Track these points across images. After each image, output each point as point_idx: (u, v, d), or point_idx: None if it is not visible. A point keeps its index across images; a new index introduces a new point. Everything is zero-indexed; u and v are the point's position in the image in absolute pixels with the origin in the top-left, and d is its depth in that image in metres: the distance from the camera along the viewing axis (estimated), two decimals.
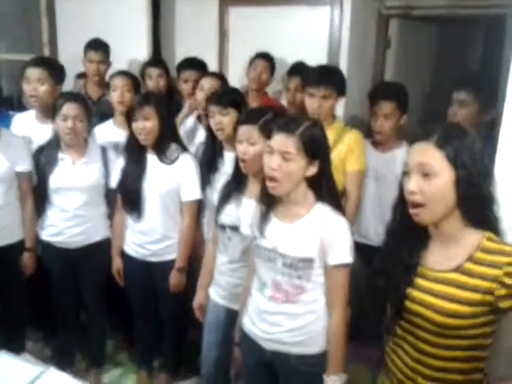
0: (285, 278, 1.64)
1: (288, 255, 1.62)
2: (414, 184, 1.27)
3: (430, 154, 1.25)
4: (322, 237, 1.60)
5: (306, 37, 3.49)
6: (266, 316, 1.70)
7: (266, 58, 3.29)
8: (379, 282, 1.38)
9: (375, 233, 2.65)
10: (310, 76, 2.53)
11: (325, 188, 1.65)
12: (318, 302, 1.65)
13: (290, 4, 3.50)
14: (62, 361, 2.67)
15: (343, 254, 1.61)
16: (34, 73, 2.60)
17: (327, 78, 2.46)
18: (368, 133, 2.76)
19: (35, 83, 2.60)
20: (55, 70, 2.70)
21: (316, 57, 3.30)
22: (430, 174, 1.25)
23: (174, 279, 2.44)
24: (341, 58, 3.45)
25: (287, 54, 3.44)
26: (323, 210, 1.63)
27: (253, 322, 1.76)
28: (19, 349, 2.58)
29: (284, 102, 3.33)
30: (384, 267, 1.39)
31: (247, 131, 1.89)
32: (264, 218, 1.71)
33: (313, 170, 1.61)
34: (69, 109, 2.37)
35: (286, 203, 1.67)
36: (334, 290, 1.63)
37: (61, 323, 2.71)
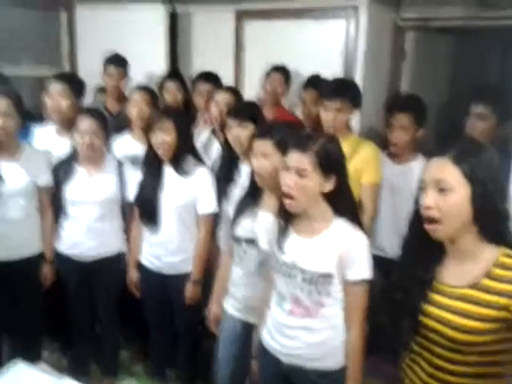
0: (304, 293, 1.64)
1: (307, 270, 1.62)
2: (430, 199, 1.27)
3: (447, 170, 1.26)
4: (341, 252, 1.60)
5: (322, 49, 3.52)
6: (285, 330, 1.70)
7: (281, 71, 3.32)
8: (396, 296, 1.38)
9: (390, 245, 2.63)
10: (325, 89, 2.54)
11: (343, 203, 1.65)
12: (337, 317, 1.65)
13: (306, 17, 3.53)
14: (77, 371, 2.70)
15: (362, 269, 1.61)
16: (55, 87, 2.67)
17: (342, 90, 2.47)
18: (384, 144, 2.75)
19: (57, 97, 2.67)
20: (76, 85, 2.76)
21: (332, 69, 3.32)
22: (447, 189, 1.25)
23: (189, 292, 2.46)
24: (356, 70, 3.46)
25: (303, 67, 3.47)
26: (342, 226, 1.64)
27: (271, 335, 1.76)
28: (35, 358, 2.60)
29: (300, 114, 3.34)
30: (400, 282, 1.39)
31: (262, 145, 1.91)
32: (283, 233, 1.72)
33: (329, 186, 1.61)
34: (86, 125, 2.41)
35: (304, 218, 1.68)
36: (352, 306, 1.63)
37: (76, 334, 2.74)
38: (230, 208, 2.37)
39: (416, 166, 2.55)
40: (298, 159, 1.59)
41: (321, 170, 1.58)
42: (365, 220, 2.40)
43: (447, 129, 3.43)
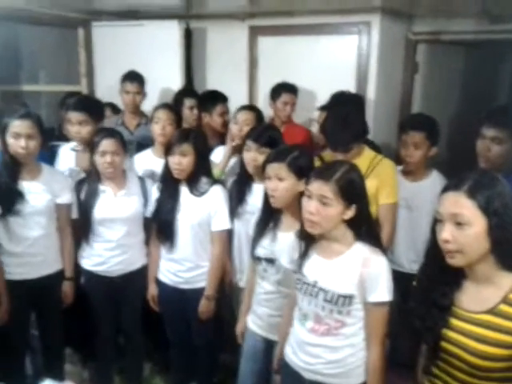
0: (325, 312, 1.68)
1: (329, 290, 1.67)
2: (447, 233, 1.30)
3: (462, 204, 1.29)
4: (362, 275, 1.64)
5: (334, 64, 3.57)
6: (307, 347, 1.75)
7: (288, 89, 3.36)
8: (414, 323, 1.41)
9: (407, 260, 2.69)
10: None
11: (363, 229, 1.70)
12: (358, 335, 1.69)
13: (318, 33, 3.59)
14: (100, 383, 2.76)
15: (383, 292, 1.65)
16: (75, 116, 2.73)
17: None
18: (397, 159, 2.79)
19: (77, 126, 2.73)
20: (95, 111, 2.80)
21: (344, 84, 3.35)
22: (463, 223, 1.28)
23: (203, 307, 2.51)
24: (369, 84, 3.52)
25: (315, 82, 3.52)
26: (362, 249, 1.68)
27: (294, 351, 1.81)
28: (58, 373, 2.69)
29: (315, 131, 3.38)
30: (418, 309, 1.42)
31: (276, 168, 1.98)
32: (304, 253, 1.77)
33: (350, 214, 1.66)
34: (106, 145, 2.47)
35: (325, 240, 1.73)
36: (372, 326, 1.67)
37: (100, 347, 2.79)
38: (240, 226, 2.47)
39: (430, 183, 2.61)
40: (321, 188, 1.65)
41: (342, 198, 1.64)
42: (383, 240, 2.45)
43: (459, 141, 3.47)
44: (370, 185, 2.35)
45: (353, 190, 1.66)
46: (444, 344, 1.37)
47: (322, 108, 3.17)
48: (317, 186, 1.66)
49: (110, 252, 2.55)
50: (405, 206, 2.65)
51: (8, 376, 2.51)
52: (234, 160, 2.81)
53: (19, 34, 3.74)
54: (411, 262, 2.64)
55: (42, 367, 2.74)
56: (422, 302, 1.44)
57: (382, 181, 2.42)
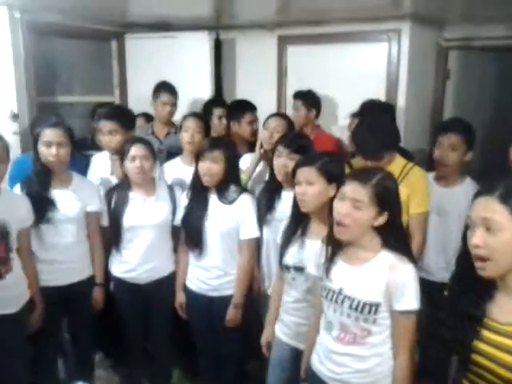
0: (351, 320, 1.67)
1: (354, 298, 1.66)
2: (478, 238, 1.28)
3: (494, 209, 1.27)
4: (388, 282, 1.62)
5: (364, 72, 3.56)
6: (333, 356, 1.73)
7: (302, 97, 3.41)
8: (444, 334, 1.38)
9: (438, 268, 2.63)
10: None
11: (393, 237, 1.67)
12: (385, 344, 1.67)
13: (348, 41, 3.59)
14: None
15: (409, 300, 1.62)
16: (106, 126, 2.79)
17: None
18: (429, 166, 2.75)
19: (109, 135, 2.80)
20: (126, 120, 2.86)
21: (374, 92, 3.35)
22: (495, 228, 1.26)
23: (231, 315, 2.51)
24: (399, 92, 3.50)
25: (345, 90, 3.52)
26: (389, 256, 1.66)
27: (320, 360, 1.79)
28: (89, 377, 2.76)
29: (346, 140, 3.36)
30: (449, 320, 1.39)
31: (306, 172, 1.98)
32: (330, 259, 1.76)
33: (381, 221, 1.64)
34: (136, 150, 2.52)
35: (352, 246, 1.71)
36: (399, 335, 1.65)
37: (129, 352, 2.83)
38: (269, 234, 2.47)
39: (463, 190, 2.54)
40: (356, 190, 1.63)
41: (376, 204, 1.62)
42: (413, 249, 2.41)
43: (492, 148, 3.40)
44: (402, 193, 2.33)
45: (387, 197, 1.64)
46: (475, 356, 1.33)
47: (354, 115, 3.16)
48: (352, 189, 1.64)
49: (138, 259, 2.58)
50: (436, 212, 2.60)
51: (41, 379, 2.58)
52: (260, 167, 2.83)
53: (56, 48, 3.85)
54: (441, 270, 2.59)
55: (74, 371, 2.80)
56: (452, 312, 1.40)
57: (413, 189, 2.40)
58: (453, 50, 3.68)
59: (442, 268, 2.60)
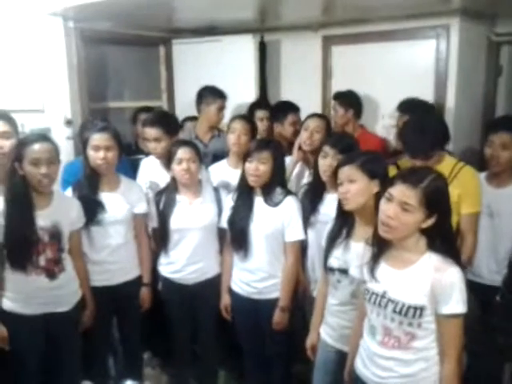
0: (395, 324, 1.64)
1: (398, 301, 1.62)
2: None
3: None
4: (433, 285, 1.58)
5: (411, 71, 3.49)
6: (378, 360, 1.70)
7: (339, 98, 3.41)
8: (497, 340, 1.34)
9: (489, 271, 2.55)
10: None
11: (440, 240, 1.62)
12: (430, 349, 1.63)
13: (394, 39, 3.52)
14: None
15: (456, 304, 1.57)
16: (151, 132, 2.84)
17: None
18: (480, 164, 2.67)
19: (154, 142, 2.84)
20: (170, 127, 2.89)
21: (422, 90, 3.28)
22: None
23: (278, 318, 2.50)
24: (448, 89, 3.39)
25: (391, 90, 3.45)
26: (434, 259, 1.61)
27: (364, 364, 1.77)
28: (138, 375, 2.83)
29: (393, 137, 3.31)
30: (503, 324, 1.34)
31: (347, 170, 1.97)
32: (374, 261, 1.73)
33: (429, 223, 1.59)
34: (183, 153, 2.57)
35: (396, 249, 1.68)
36: (446, 339, 1.60)
37: (177, 353, 2.88)
38: (313, 236, 2.46)
39: None
40: (405, 193, 1.58)
41: (425, 207, 1.57)
42: (466, 250, 2.35)
43: None
44: (452, 193, 2.27)
45: (438, 200, 1.59)
46: None
47: (402, 110, 3.10)
48: (400, 191, 1.59)
49: (186, 260, 2.63)
50: (487, 213, 2.53)
51: (92, 376, 2.67)
52: (297, 169, 2.84)
53: (106, 55, 3.99)
54: (492, 273, 2.51)
55: (123, 369, 2.88)
56: (506, 317, 1.35)
57: (464, 189, 2.34)
58: (504, 44, 3.54)
59: (492, 271, 2.52)
